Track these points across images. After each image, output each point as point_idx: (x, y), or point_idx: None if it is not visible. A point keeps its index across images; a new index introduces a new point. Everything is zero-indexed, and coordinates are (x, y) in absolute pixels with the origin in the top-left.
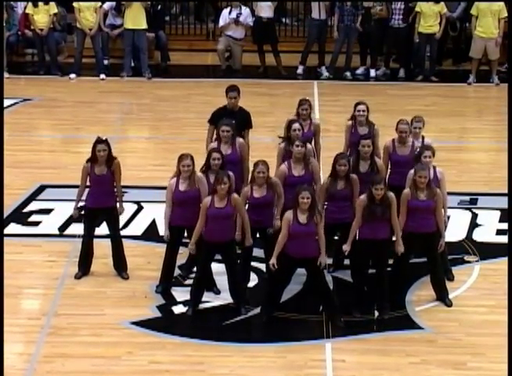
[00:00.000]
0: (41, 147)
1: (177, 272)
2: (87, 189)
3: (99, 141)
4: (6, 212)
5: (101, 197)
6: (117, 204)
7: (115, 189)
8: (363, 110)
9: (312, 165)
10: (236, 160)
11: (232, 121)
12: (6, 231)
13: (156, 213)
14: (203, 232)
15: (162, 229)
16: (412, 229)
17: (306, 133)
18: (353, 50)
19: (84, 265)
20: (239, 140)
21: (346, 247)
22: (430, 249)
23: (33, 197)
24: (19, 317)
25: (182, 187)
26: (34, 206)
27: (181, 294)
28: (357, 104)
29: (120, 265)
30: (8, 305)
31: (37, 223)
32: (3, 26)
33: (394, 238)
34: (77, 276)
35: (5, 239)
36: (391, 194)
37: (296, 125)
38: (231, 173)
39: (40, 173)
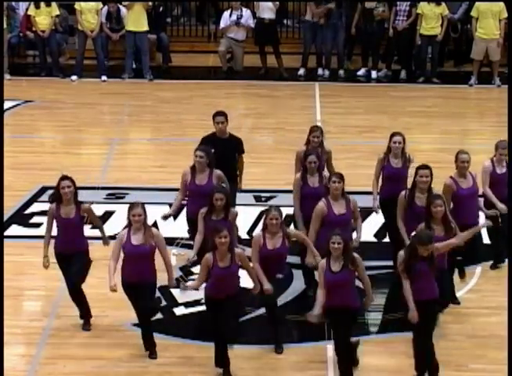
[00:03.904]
0: (42, 149)
1: (178, 273)
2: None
3: (62, 177)
4: (8, 214)
5: (70, 242)
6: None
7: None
8: (399, 142)
9: (353, 202)
10: (208, 192)
11: (208, 147)
12: (7, 233)
13: (158, 215)
14: (206, 289)
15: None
16: None
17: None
18: (353, 51)
19: (83, 311)
20: (217, 172)
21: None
22: None
23: (34, 199)
24: (20, 319)
25: (134, 240)
26: (35, 207)
27: (182, 295)
28: (393, 135)
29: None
30: (9, 306)
31: (38, 225)
32: (3, 27)
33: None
34: (87, 328)
35: (7, 240)
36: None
37: (312, 158)
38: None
39: (41, 175)
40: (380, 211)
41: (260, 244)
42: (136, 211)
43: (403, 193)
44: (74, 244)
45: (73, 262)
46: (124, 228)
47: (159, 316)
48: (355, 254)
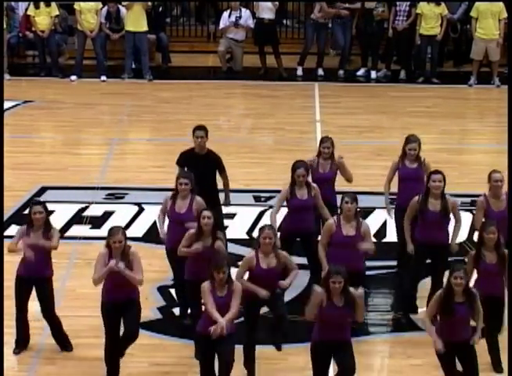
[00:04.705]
0: (42, 149)
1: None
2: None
3: (35, 202)
4: (7, 214)
5: (34, 265)
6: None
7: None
8: (414, 149)
9: (364, 227)
10: (189, 220)
11: (190, 173)
12: (7, 232)
13: (157, 215)
14: (201, 327)
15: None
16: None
17: (327, 174)
18: (353, 51)
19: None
20: (198, 199)
21: None
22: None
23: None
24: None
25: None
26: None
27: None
28: (408, 141)
29: (62, 341)
30: (9, 306)
31: None
32: (3, 27)
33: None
34: (16, 352)
35: (7, 240)
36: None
37: (300, 171)
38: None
39: (41, 175)
40: (393, 217)
41: (252, 264)
42: (117, 238)
43: (416, 198)
44: (39, 268)
45: (39, 291)
46: (104, 250)
47: (159, 316)
48: (356, 293)
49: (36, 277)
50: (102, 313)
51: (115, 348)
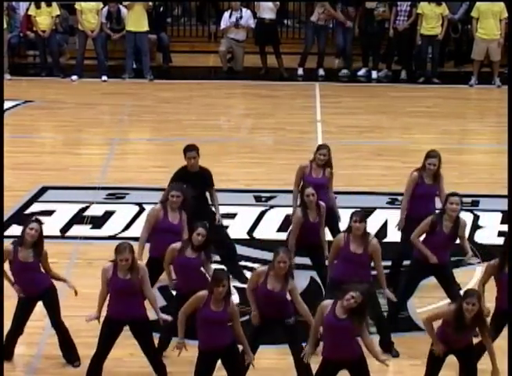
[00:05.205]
0: (42, 149)
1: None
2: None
3: (32, 220)
4: (8, 214)
5: (27, 284)
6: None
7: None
8: (434, 164)
9: (372, 248)
10: (179, 231)
11: (181, 185)
12: (8, 232)
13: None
14: (199, 341)
15: None
16: None
17: (320, 179)
18: (353, 51)
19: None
20: (184, 216)
21: None
22: None
23: (35, 199)
24: None
25: (120, 275)
26: (35, 207)
27: None
28: (428, 156)
29: (69, 353)
30: (10, 306)
31: None
32: (3, 27)
33: None
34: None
35: (7, 240)
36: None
37: (309, 191)
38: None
39: (41, 175)
40: (401, 228)
41: (259, 283)
42: (124, 256)
43: (430, 218)
44: (35, 286)
45: (46, 304)
46: (110, 264)
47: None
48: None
49: (37, 293)
50: (102, 327)
51: (100, 361)
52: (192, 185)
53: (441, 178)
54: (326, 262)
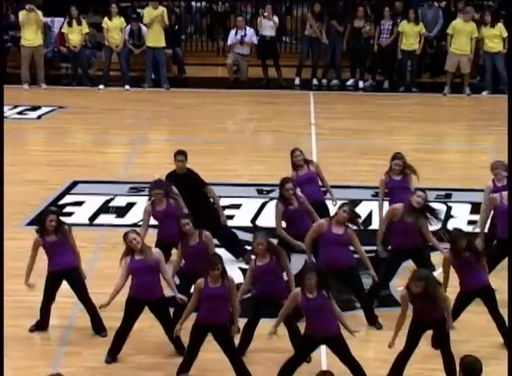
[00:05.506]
0: (74, 148)
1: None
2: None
3: (50, 211)
4: (44, 204)
5: (60, 259)
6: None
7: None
8: (399, 165)
9: (350, 230)
10: (172, 213)
11: (160, 182)
12: None
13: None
14: (198, 314)
15: None
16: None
17: (307, 173)
18: (343, 64)
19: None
20: (171, 201)
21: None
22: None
23: (67, 192)
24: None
25: (137, 257)
26: (67, 199)
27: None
28: (394, 158)
29: (97, 325)
30: (40, 284)
31: (70, 214)
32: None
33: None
34: (31, 329)
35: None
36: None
37: (289, 185)
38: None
39: (73, 170)
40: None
41: (252, 266)
42: (132, 236)
43: (399, 205)
44: (63, 262)
45: (71, 281)
46: (125, 255)
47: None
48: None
49: (65, 270)
50: (126, 306)
51: (124, 334)
52: (181, 185)
53: (409, 176)
54: None
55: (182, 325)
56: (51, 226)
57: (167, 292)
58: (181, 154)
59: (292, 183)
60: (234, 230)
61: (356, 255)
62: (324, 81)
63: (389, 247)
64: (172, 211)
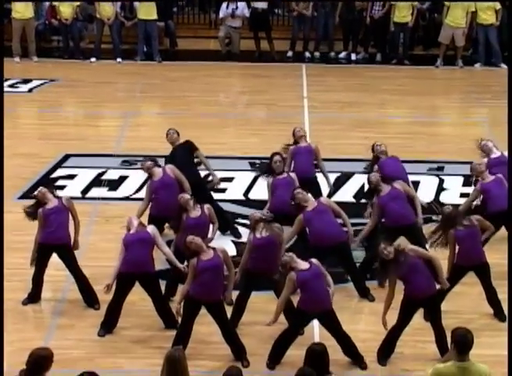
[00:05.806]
0: (66, 121)
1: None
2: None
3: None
4: (36, 178)
5: (53, 231)
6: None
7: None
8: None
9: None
10: (169, 183)
11: (146, 159)
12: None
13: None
14: (190, 290)
15: None
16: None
17: (306, 147)
18: (336, 36)
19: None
20: (160, 170)
21: None
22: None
23: (59, 165)
24: (48, 268)
25: (132, 231)
26: (60, 172)
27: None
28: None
29: (89, 297)
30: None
31: (62, 187)
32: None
33: None
34: (25, 303)
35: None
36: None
37: (276, 158)
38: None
39: (65, 144)
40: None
41: (251, 239)
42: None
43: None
44: (55, 237)
45: (62, 256)
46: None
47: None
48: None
49: (56, 245)
50: (117, 281)
51: (116, 308)
52: (179, 156)
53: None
54: None
55: (179, 304)
56: (43, 197)
57: (158, 266)
58: (170, 129)
59: (280, 156)
60: (219, 203)
61: (344, 227)
62: (317, 53)
63: (383, 220)
64: (169, 181)
